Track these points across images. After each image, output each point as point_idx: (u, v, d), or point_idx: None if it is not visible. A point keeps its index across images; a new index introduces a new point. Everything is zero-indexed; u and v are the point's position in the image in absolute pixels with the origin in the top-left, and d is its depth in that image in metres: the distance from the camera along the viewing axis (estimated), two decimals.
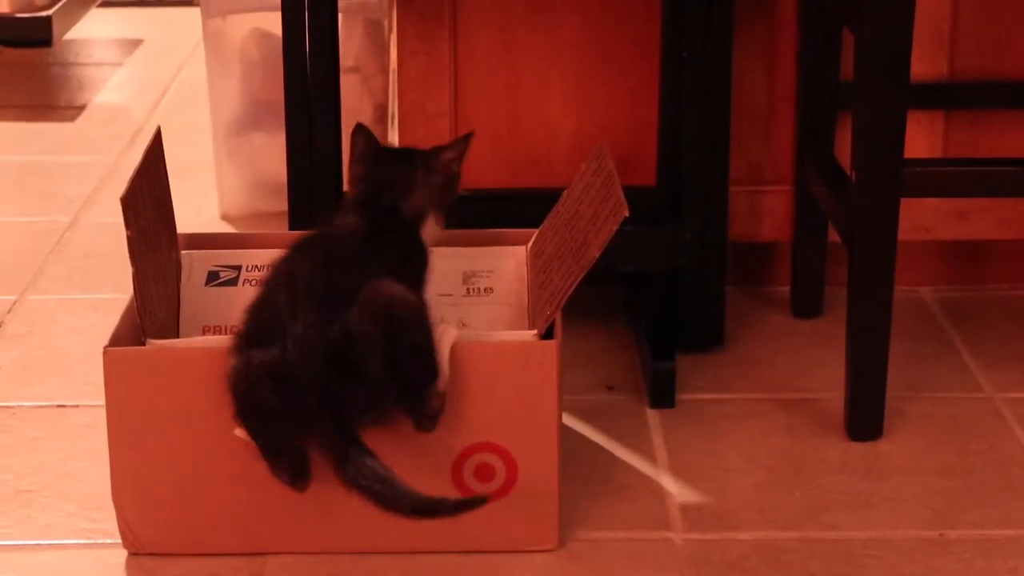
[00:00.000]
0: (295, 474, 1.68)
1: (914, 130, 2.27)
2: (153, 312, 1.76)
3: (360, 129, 1.84)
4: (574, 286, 1.72)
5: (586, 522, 1.83)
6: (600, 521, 1.84)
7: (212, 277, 1.92)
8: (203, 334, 1.87)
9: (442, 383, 1.68)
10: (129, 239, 1.70)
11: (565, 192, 1.89)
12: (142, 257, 1.74)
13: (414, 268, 1.76)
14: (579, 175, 1.86)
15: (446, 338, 1.69)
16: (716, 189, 2.19)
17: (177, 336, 1.86)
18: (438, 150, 1.83)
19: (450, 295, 1.90)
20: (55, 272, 2.58)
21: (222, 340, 1.75)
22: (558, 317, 1.76)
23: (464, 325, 1.88)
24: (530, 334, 1.76)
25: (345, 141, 2.05)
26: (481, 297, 1.92)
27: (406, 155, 1.85)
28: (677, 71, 2.17)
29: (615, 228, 1.70)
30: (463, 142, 1.84)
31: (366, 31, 2.81)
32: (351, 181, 1.83)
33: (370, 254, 1.71)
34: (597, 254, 1.71)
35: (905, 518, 1.85)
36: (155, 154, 1.84)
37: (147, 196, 1.79)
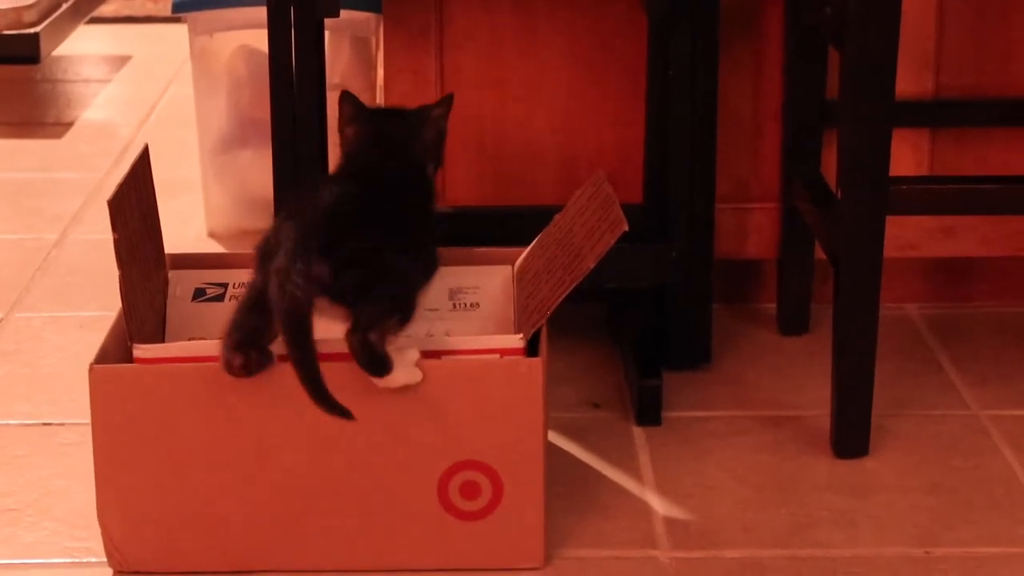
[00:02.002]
0: (236, 348, 1.68)
1: (899, 148, 2.28)
2: (141, 319, 1.76)
3: (347, 96, 1.86)
4: (564, 295, 1.73)
5: (571, 540, 1.83)
6: (585, 539, 1.84)
7: (199, 293, 1.92)
8: None
9: (400, 340, 1.68)
10: (116, 243, 1.69)
11: (557, 215, 1.89)
12: (129, 264, 1.73)
13: (425, 208, 1.81)
14: (574, 199, 1.87)
15: (410, 352, 1.70)
16: (702, 207, 2.20)
17: None
18: (428, 107, 1.87)
19: (436, 310, 1.90)
20: (41, 289, 2.57)
21: (208, 346, 1.72)
22: (544, 334, 1.76)
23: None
24: (515, 338, 1.76)
25: (332, 158, 2.05)
26: (467, 311, 1.92)
27: (398, 111, 1.90)
28: (663, 89, 2.18)
29: (612, 241, 1.71)
30: (447, 101, 1.88)
31: (353, 48, 2.81)
32: (343, 142, 1.86)
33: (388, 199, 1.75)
34: (592, 265, 1.72)
35: (891, 536, 1.85)
36: (142, 169, 1.84)
37: (134, 206, 1.78)
